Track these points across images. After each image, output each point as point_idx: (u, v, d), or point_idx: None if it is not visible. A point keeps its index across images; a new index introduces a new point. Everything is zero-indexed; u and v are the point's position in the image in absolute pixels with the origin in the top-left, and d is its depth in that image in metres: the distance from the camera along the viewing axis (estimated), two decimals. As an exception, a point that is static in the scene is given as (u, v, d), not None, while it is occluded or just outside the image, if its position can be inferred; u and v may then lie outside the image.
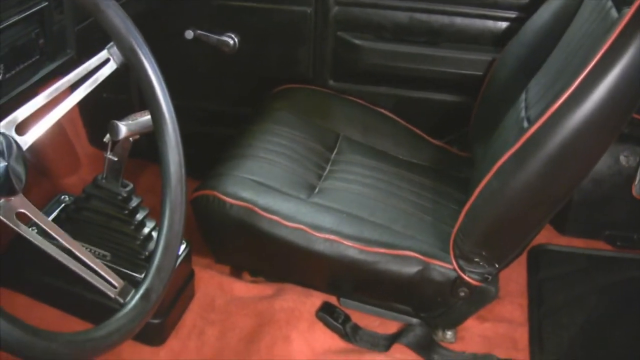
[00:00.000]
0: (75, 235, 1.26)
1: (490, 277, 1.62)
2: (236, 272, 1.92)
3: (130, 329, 1.11)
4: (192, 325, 1.74)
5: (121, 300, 1.15)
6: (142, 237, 1.58)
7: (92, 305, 1.34)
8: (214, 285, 1.83)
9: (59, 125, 2.09)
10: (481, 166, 1.63)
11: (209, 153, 1.83)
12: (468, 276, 1.60)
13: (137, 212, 1.58)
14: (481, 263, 1.59)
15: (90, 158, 2.22)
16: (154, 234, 1.61)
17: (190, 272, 1.77)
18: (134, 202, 1.57)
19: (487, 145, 1.71)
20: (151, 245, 1.60)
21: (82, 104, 2.14)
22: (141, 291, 1.15)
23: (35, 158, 2.06)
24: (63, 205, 1.69)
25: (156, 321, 1.64)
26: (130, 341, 1.59)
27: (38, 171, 2.09)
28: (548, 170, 1.39)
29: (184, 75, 2.13)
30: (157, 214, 1.40)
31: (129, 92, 2.22)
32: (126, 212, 1.56)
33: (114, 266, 1.53)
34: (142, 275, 1.18)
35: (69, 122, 2.18)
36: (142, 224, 1.59)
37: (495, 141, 1.65)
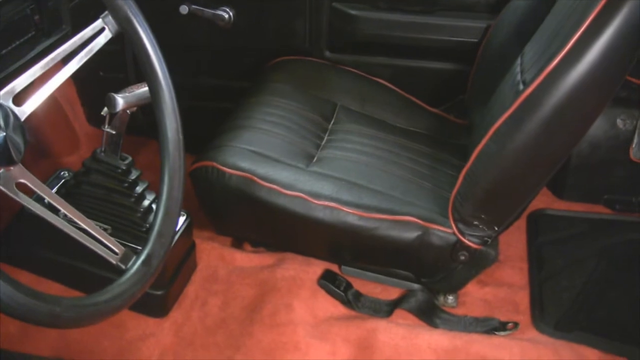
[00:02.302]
0: (76, 209, 1.28)
1: (489, 240, 1.63)
2: (237, 243, 1.94)
3: (132, 294, 1.12)
4: (195, 296, 1.75)
5: (122, 267, 1.16)
6: (142, 210, 1.59)
7: (94, 279, 1.35)
8: (216, 256, 1.84)
9: (57, 105, 2.12)
10: (478, 131, 1.63)
11: (207, 128, 1.84)
12: (468, 240, 1.61)
13: (136, 185, 1.59)
14: (480, 226, 1.60)
15: (89, 137, 2.22)
16: (154, 206, 1.62)
17: (192, 244, 1.78)
18: (134, 175, 1.57)
19: (483, 111, 1.71)
20: (152, 217, 1.61)
21: (79, 83, 2.16)
22: (142, 257, 1.16)
23: (34, 138, 2.07)
24: (63, 180, 1.70)
25: (159, 293, 1.66)
26: (134, 313, 1.63)
27: (37, 151, 2.10)
28: (544, 131, 1.39)
29: (179, 51, 2.12)
30: (156, 189, 1.42)
31: (125, 71, 2.22)
32: (126, 184, 1.57)
33: (115, 239, 1.54)
34: None
35: (67, 102, 2.19)
36: (142, 196, 1.60)
37: (492, 106, 1.65)
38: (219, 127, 1.86)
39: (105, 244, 1.15)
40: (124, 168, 1.56)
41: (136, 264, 1.15)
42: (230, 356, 1.62)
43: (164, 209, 1.21)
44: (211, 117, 1.95)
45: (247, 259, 1.85)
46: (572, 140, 1.47)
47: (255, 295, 1.74)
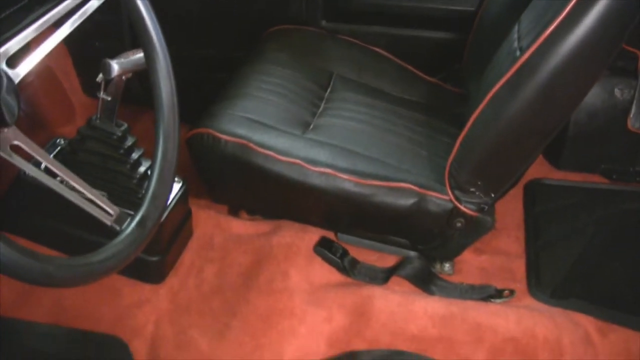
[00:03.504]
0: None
1: (486, 208, 1.63)
2: (234, 211, 1.93)
3: (127, 255, 1.12)
4: (191, 264, 1.76)
5: (117, 228, 1.16)
6: (138, 176, 1.58)
7: (90, 245, 1.35)
8: (212, 224, 1.84)
9: (52, 76, 2.11)
10: (474, 99, 1.64)
11: (203, 99, 1.83)
12: (464, 206, 1.61)
13: (132, 152, 1.58)
14: (477, 193, 1.60)
15: (85, 107, 2.22)
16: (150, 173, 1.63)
17: (188, 211, 1.78)
18: (129, 142, 1.57)
19: (480, 79, 1.71)
20: (146, 184, 1.61)
21: (75, 54, 2.16)
22: (137, 218, 1.16)
23: (30, 108, 2.07)
24: (59, 148, 1.69)
25: (155, 259, 1.66)
26: (130, 280, 1.64)
27: (33, 121, 2.09)
28: (540, 97, 1.40)
29: (174, 22, 2.10)
30: (152, 157, 1.43)
31: (121, 41, 2.21)
32: (121, 151, 1.56)
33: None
34: None
35: (63, 73, 2.19)
36: (137, 163, 1.59)
37: (489, 74, 1.65)
38: (215, 96, 1.85)
39: (99, 205, 1.15)
40: (120, 135, 1.55)
41: (130, 225, 1.15)
42: (227, 322, 1.62)
43: (159, 171, 1.21)
44: (207, 88, 1.94)
45: (243, 226, 1.85)
46: (568, 107, 1.47)
47: (251, 263, 1.74)
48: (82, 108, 2.22)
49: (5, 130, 1.02)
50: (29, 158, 1.06)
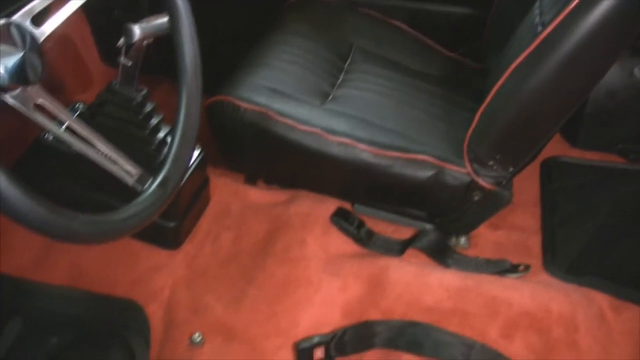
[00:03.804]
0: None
1: (504, 182, 1.63)
2: (250, 180, 1.93)
3: (148, 215, 1.13)
4: (208, 230, 1.77)
5: (139, 188, 1.16)
6: (156, 142, 1.58)
7: (110, 209, 1.36)
8: (229, 192, 1.85)
9: (71, 44, 2.11)
10: (495, 73, 1.63)
11: (223, 70, 1.83)
12: (482, 180, 1.61)
13: (151, 117, 1.58)
14: (495, 167, 1.60)
15: (103, 75, 2.22)
16: (169, 139, 1.62)
17: (205, 178, 1.78)
18: (149, 107, 1.57)
19: (500, 54, 1.71)
20: (165, 150, 1.61)
21: (93, 22, 2.16)
22: (159, 179, 1.17)
23: (48, 75, 2.07)
24: (78, 112, 1.69)
25: (172, 224, 1.67)
26: (147, 244, 1.65)
27: (51, 88, 2.09)
28: (562, 72, 1.39)
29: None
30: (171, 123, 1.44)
31: (140, 9, 2.20)
32: (141, 116, 1.56)
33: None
34: None
35: (81, 41, 2.19)
36: (156, 128, 1.59)
37: (509, 49, 1.64)
38: (235, 63, 1.85)
39: (121, 165, 1.16)
40: (139, 100, 1.55)
41: (152, 185, 1.16)
42: (243, 288, 1.63)
43: (181, 133, 1.21)
44: (226, 59, 1.93)
45: (260, 195, 1.85)
46: (588, 84, 1.47)
47: (268, 231, 1.75)
48: (100, 76, 2.22)
49: (29, 88, 1.03)
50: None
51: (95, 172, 1.13)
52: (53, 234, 0.97)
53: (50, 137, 1.63)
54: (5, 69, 0.98)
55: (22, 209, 0.92)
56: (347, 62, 1.93)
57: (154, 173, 1.18)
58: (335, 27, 2.01)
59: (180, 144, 1.21)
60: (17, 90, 1.01)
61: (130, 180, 1.16)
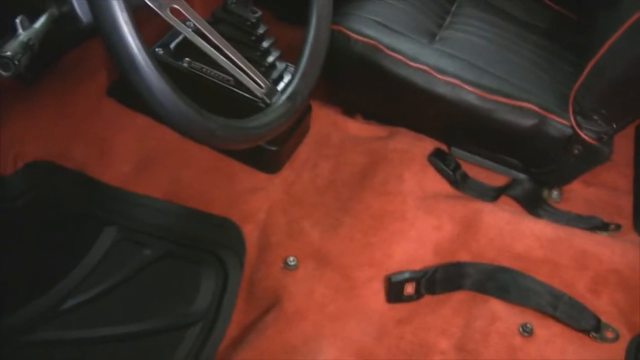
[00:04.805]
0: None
1: (605, 138, 1.62)
2: (350, 113, 1.93)
3: (278, 125, 1.15)
4: (306, 158, 1.78)
5: (267, 100, 1.18)
6: (266, 65, 1.59)
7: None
8: (329, 122, 1.85)
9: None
10: (605, 26, 1.62)
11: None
12: (584, 133, 1.61)
13: (263, 40, 1.59)
14: (599, 121, 1.60)
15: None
16: (278, 63, 1.64)
17: (308, 106, 1.79)
18: (262, 29, 1.57)
19: (611, 8, 1.68)
20: (275, 74, 1.62)
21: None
22: (288, 92, 1.19)
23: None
24: (190, 29, 1.70)
25: (273, 148, 1.68)
26: (246, 167, 1.66)
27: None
28: None
29: None
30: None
31: None
32: (253, 38, 1.57)
33: (237, 90, 1.57)
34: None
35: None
36: (267, 51, 1.60)
37: (624, 3, 1.61)
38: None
39: (252, 76, 1.17)
40: (253, 21, 1.55)
41: (281, 98, 1.18)
42: (339, 217, 1.64)
43: (310, 50, 1.23)
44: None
45: (359, 128, 1.86)
46: None
47: (366, 163, 1.75)
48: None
49: (165, -8, 1.04)
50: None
51: (198, 89, 1.14)
52: (193, 133, 0.99)
53: (161, 52, 1.65)
54: (146, -29, 0.99)
55: (171, 107, 0.93)
56: (455, 5, 1.92)
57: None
58: (442, -31, 2.00)
59: (309, 60, 1.22)
60: (153, -5, 1.03)
61: (259, 92, 1.18)
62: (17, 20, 1.03)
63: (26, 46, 1.00)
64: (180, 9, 1.09)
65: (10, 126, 1.68)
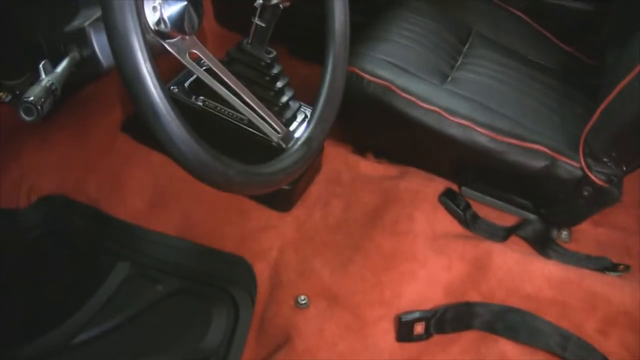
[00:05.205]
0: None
1: (615, 180, 1.63)
2: (361, 152, 1.95)
3: (294, 170, 1.16)
4: (318, 196, 1.79)
5: (284, 145, 1.20)
6: (280, 104, 1.61)
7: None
8: (340, 161, 1.87)
9: None
10: (616, 70, 1.63)
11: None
12: (595, 175, 1.61)
13: (278, 80, 1.60)
14: (609, 163, 1.60)
15: (216, 36, 2.25)
16: (292, 103, 1.65)
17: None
18: (276, 69, 1.59)
19: (623, 49, 1.69)
20: (288, 113, 1.64)
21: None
22: (303, 138, 1.20)
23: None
24: (204, 69, 1.72)
25: (286, 187, 1.68)
26: (258, 205, 1.67)
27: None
28: None
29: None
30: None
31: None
32: (267, 78, 1.58)
33: (251, 130, 1.58)
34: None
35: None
36: (281, 91, 1.62)
37: (634, 46, 1.63)
38: (356, 36, 1.86)
39: (269, 122, 1.19)
40: (268, 62, 1.57)
41: (297, 143, 1.19)
42: (350, 256, 1.65)
43: (326, 95, 1.25)
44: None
45: (370, 167, 1.87)
46: None
47: (377, 202, 1.76)
48: (212, 36, 2.25)
49: (187, 38, 1.06)
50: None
51: (212, 127, 1.15)
52: (211, 179, 0.99)
53: (176, 90, 1.67)
54: (169, 17, 1.01)
55: (187, 152, 0.94)
56: (466, 46, 1.94)
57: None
58: (455, 9, 2.03)
59: (325, 106, 1.24)
60: (176, 38, 1.04)
61: (275, 137, 1.20)
62: (40, 65, 1.05)
63: (49, 91, 1.02)
64: (199, 54, 1.11)
65: (25, 159, 1.70)
